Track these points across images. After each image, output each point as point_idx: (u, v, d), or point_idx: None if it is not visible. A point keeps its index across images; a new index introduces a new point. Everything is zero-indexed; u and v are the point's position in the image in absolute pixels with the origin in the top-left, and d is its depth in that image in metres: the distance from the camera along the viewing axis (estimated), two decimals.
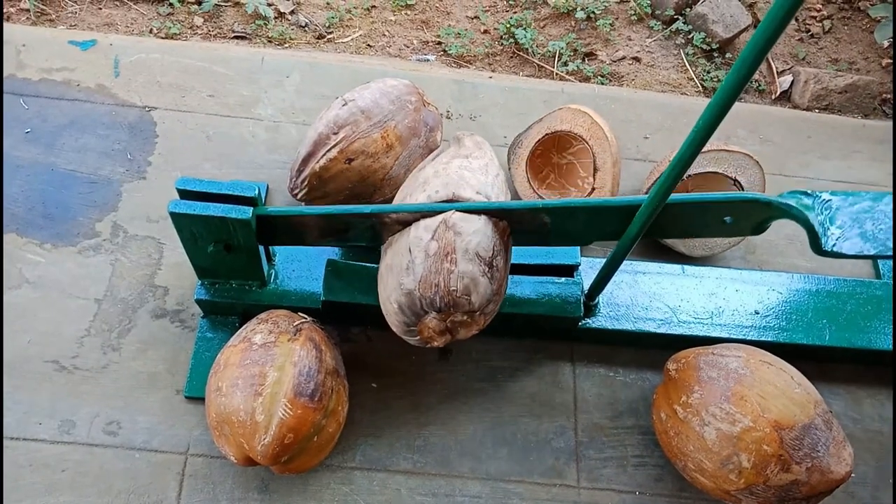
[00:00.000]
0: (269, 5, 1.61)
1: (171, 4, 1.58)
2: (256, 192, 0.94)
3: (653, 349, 1.16)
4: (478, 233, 0.89)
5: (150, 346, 1.10)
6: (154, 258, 1.17)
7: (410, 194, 0.97)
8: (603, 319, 1.12)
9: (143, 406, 1.06)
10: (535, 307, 1.06)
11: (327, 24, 1.61)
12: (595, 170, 1.16)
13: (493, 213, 0.92)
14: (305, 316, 1.02)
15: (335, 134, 1.12)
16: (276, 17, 1.61)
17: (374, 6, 1.67)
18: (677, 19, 1.65)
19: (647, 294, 1.14)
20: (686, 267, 1.18)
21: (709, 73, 1.60)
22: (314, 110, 1.34)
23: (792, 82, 1.62)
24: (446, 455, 1.07)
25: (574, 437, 1.10)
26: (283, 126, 1.32)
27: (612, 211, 0.92)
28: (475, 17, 1.68)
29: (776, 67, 1.66)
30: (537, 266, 1.08)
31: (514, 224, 0.94)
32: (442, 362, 1.14)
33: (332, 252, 1.11)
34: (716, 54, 1.63)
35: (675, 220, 0.94)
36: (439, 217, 0.90)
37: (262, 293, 1.07)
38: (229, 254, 0.99)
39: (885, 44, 1.68)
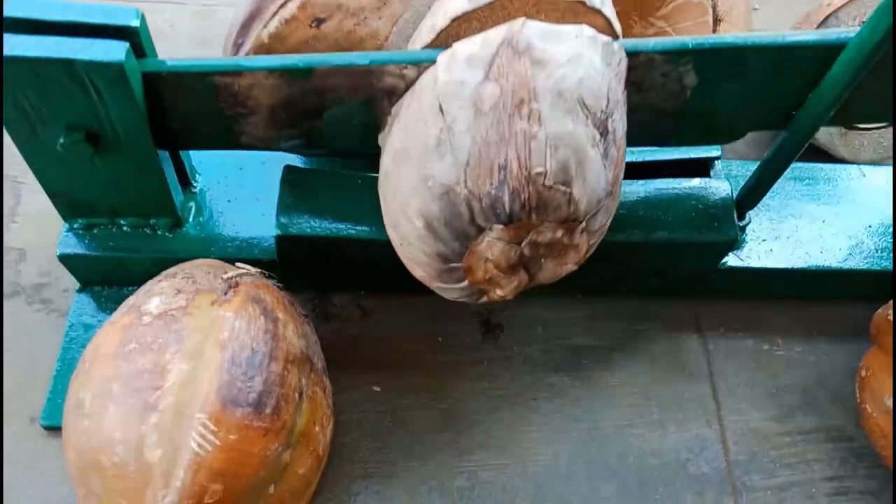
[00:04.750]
0: None
1: None
2: (138, 19, 0.49)
3: (821, 302, 0.72)
4: (579, 61, 0.45)
5: None
6: (8, 206, 0.72)
7: (433, 14, 0.53)
8: (750, 255, 0.67)
9: None
10: (656, 228, 0.61)
11: None
12: (717, 21, 0.72)
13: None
14: (247, 266, 0.57)
15: None
16: None
17: None
18: None
19: (811, 213, 0.70)
20: (865, 167, 0.73)
21: None
22: None
23: None
24: (511, 501, 0.62)
25: (724, 453, 0.65)
26: (218, 11, 0.87)
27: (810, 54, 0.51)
28: None
29: None
30: (647, 164, 0.64)
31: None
32: (487, 343, 0.69)
33: (292, 159, 0.66)
34: None
35: (883, 83, 0.54)
36: (498, 33, 0.46)
37: (173, 240, 0.62)
38: (101, 157, 0.54)
39: None
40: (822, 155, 0.80)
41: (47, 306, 0.66)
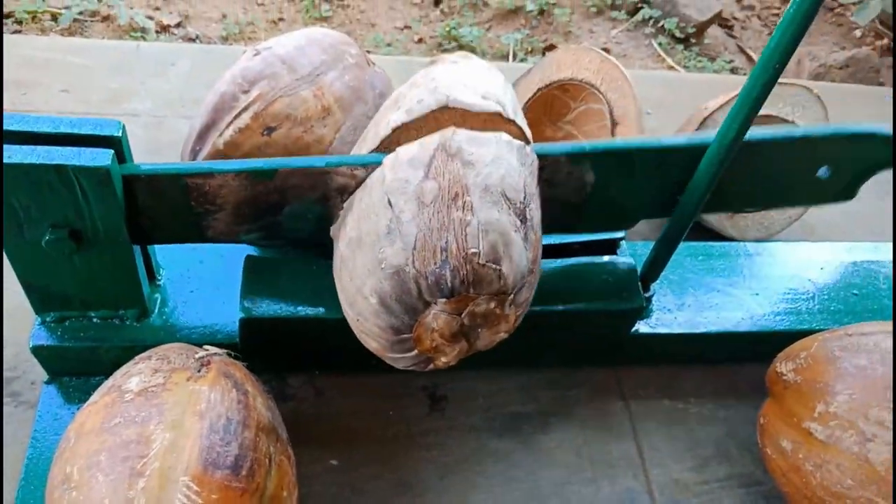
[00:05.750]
0: (150, 18, 1.28)
1: (18, 21, 1.23)
2: (120, 130, 0.56)
3: (726, 365, 0.82)
4: (500, 162, 0.55)
5: None
6: None
7: (375, 124, 0.62)
8: (658, 322, 0.77)
9: None
10: (574, 299, 0.70)
11: (225, 36, 1.29)
12: (614, 124, 0.84)
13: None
14: (214, 348, 0.62)
15: (245, 93, 0.76)
16: (158, 31, 1.27)
17: (281, 18, 1.37)
18: (642, 7, 1.42)
19: (707, 284, 0.81)
20: (751, 245, 0.85)
21: (690, 60, 1.36)
22: None
23: None
24: None
25: (651, 502, 0.72)
26: (169, 121, 0.95)
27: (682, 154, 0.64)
28: (406, 27, 1.40)
29: None
30: (562, 245, 0.74)
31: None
32: (435, 416, 0.75)
33: (251, 252, 0.73)
34: (692, 39, 1.40)
35: (746, 176, 0.67)
36: (433, 140, 0.55)
37: (141, 329, 0.67)
38: (80, 253, 0.60)
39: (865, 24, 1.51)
40: (715, 235, 0.92)
41: (17, 399, 0.69)
